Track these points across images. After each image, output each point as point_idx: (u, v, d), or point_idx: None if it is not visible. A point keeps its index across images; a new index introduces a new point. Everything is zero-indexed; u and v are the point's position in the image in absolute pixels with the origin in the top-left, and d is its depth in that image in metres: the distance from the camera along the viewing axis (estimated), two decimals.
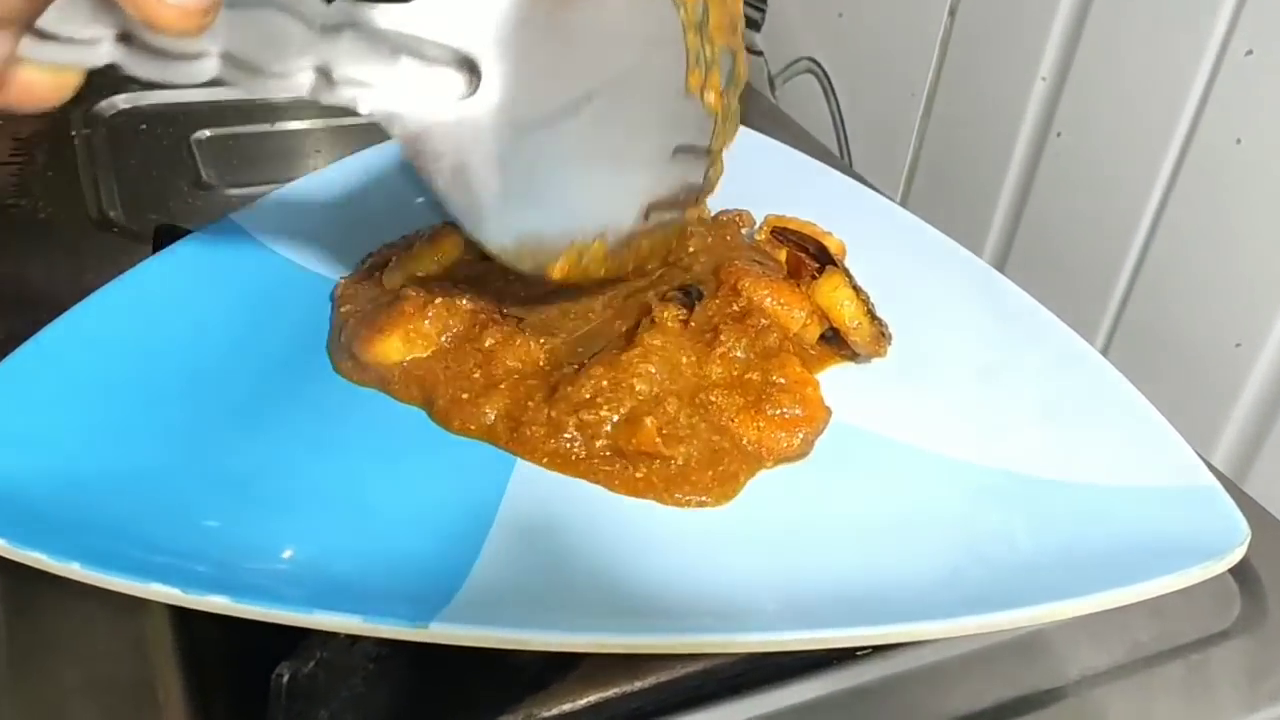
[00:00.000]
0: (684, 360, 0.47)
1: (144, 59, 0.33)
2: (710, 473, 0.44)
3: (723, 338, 0.47)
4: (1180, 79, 0.58)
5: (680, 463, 0.44)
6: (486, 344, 0.48)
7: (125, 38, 0.33)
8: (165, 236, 0.55)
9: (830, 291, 0.50)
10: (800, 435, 0.45)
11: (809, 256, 0.53)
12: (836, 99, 0.85)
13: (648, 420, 0.44)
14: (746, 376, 0.47)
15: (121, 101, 0.78)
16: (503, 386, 0.47)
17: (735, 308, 0.49)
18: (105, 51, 0.33)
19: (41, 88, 0.33)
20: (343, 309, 0.51)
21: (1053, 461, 0.45)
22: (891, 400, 0.49)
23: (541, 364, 0.48)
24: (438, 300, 0.49)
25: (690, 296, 0.50)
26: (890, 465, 0.46)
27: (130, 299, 0.49)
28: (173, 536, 0.39)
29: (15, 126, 0.74)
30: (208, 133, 0.76)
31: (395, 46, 0.37)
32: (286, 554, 0.39)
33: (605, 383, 0.46)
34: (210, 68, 0.34)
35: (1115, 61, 0.62)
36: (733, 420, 0.45)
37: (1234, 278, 0.58)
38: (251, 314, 0.51)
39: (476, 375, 0.47)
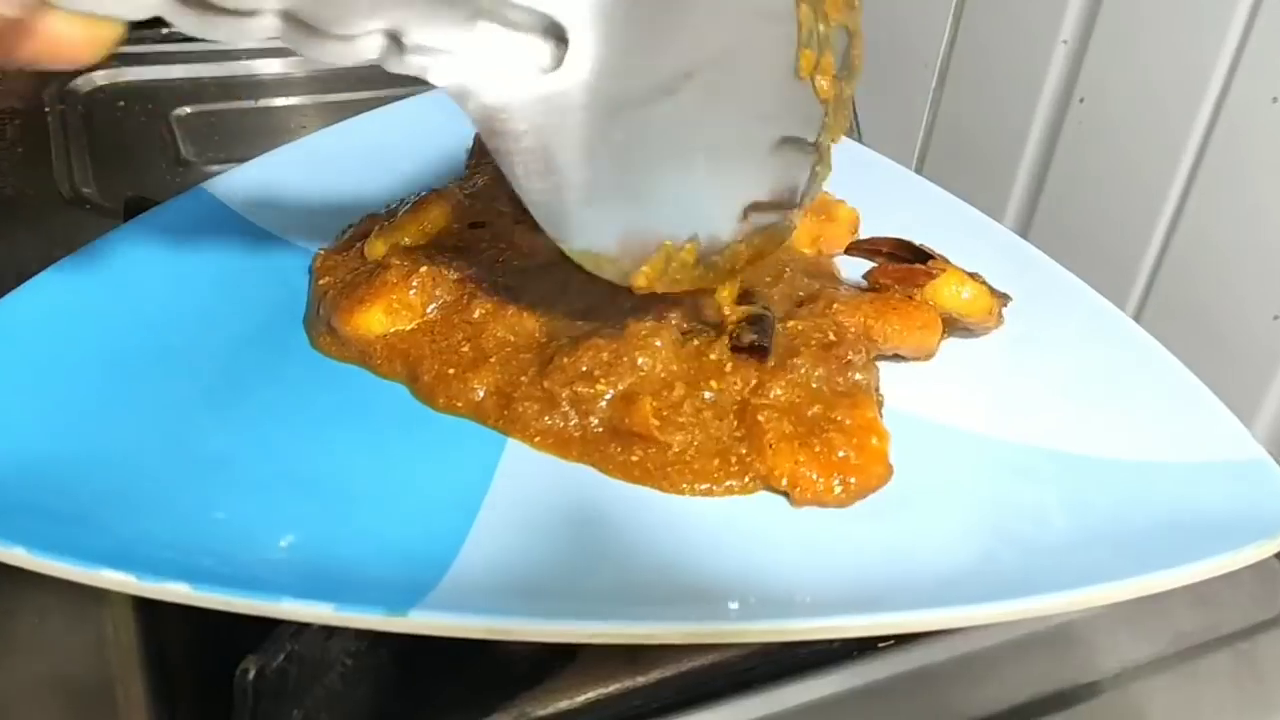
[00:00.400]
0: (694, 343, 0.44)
1: (192, 12, 0.29)
2: (716, 461, 0.41)
3: (798, 360, 0.42)
4: (1212, 35, 0.55)
5: (676, 450, 0.41)
6: (475, 315, 0.45)
7: None
8: (136, 208, 0.52)
9: (954, 289, 0.45)
10: (840, 483, 0.39)
11: (906, 260, 0.48)
12: None
13: (646, 400, 0.41)
14: (810, 410, 0.41)
15: (99, 77, 0.75)
16: (493, 360, 0.43)
17: (830, 336, 0.44)
18: (148, 3, 0.29)
19: (72, 41, 0.29)
20: (321, 280, 0.48)
21: (1088, 437, 0.42)
22: (914, 375, 0.46)
23: (536, 336, 0.44)
24: (423, 269, 0.46)
25: (764, 326, 0.44)
26: (914, 443, 0.42)
27: (94, 270, 0.46)
28: (130, 521, 0.36)
29: None
30: (188, 109, 0.73)
31: (474, 10, 0.32)
32: (255, 540, 0.36)
33: (605, 355, 0.42)
34: (267, 26, 0.30)
35: (1141, 21, 0.59)
36: (771, 445, 0.40)
37: (1272, 245, 0.54)
38: (225, 287, 0.48)
39: (465, 349, 0.44)
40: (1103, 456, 0.41)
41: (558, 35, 0.34)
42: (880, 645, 0.40)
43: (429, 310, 0.45)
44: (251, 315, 0.47)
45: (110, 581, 0.32)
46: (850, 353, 0.43)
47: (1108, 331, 0.46)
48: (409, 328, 0.45)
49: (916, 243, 0.47)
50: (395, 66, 0.32)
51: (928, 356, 0.46)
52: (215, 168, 0.66)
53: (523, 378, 0.43)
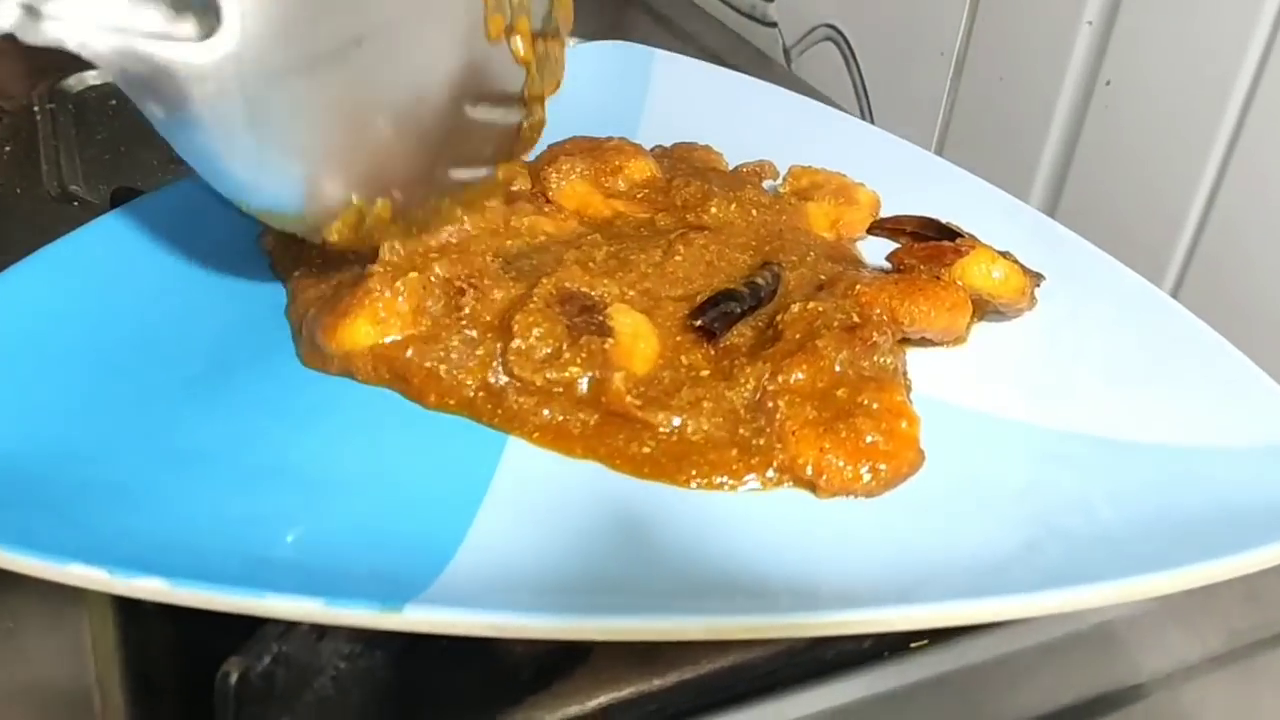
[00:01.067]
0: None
1: None
2: (734, 452, 0.38)
3: (820, 343, 0.40)
4: (1246, 10, 0.53)
5: (675, 436, 0.38)
6: (466, 310, 0.42)
7: None
8: (124, 200, 0.49)
9: (984, 267, 0.43)
10: (869, 470, 0.37)
11: (933, 239, 0.45)
12: (859, 66, 0.79)
13: (617, 376, 0.39)
14: (834, 395, 0.39)
15: (91, 77, 0.73)
16: (480, 352, 0.41)
17: (853, 317, 0.42)
18: None
19: None
20: (305, 294, 0.45)
21: (1134, 422, 0.40)
22: (945, 360, 0.43)
23: None
24: (411, 275, 0.42)
25: (757, 294, 0.43)
26: (947, 431, 0.40)
27: (75, 260, 0.44)
28: (106, 516, 0.34)
29: None
30: None
31: None
32: (238, 536, 0.33)
33: (556, 327, 0.40)
34: None
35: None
36: (793, 433, 0.38)
37: None
38: (211, 277, 0.46)
39: (455, 343, 0.41)
40: (1149, 442, 0.39)
41: (210, 6, 0.32)
42: (912, 645, 0.37)
43: (422, 321, 0.42)
44: (238, 307, 0.45)
45: (81, 578, 0.30)
46: (875, 334, 0.40)
47: (1149, 311, 0.44)
48: (399, 338, 0.42)
49: (943, 220, 0.44)
50: (31, 36, 0.30)
51: (958, 340, 0.44)
52: None
53: (501, 373, 0.41)
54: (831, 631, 0.31)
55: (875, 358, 0.40)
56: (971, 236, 0.44)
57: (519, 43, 0.42)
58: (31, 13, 0.30)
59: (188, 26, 0.32)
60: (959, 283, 0.43)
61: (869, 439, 0.37)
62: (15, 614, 0.37)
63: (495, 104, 0.42)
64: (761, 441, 0.38)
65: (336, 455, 0.38)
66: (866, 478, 0.37)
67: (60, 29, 0.31)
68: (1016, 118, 0.67)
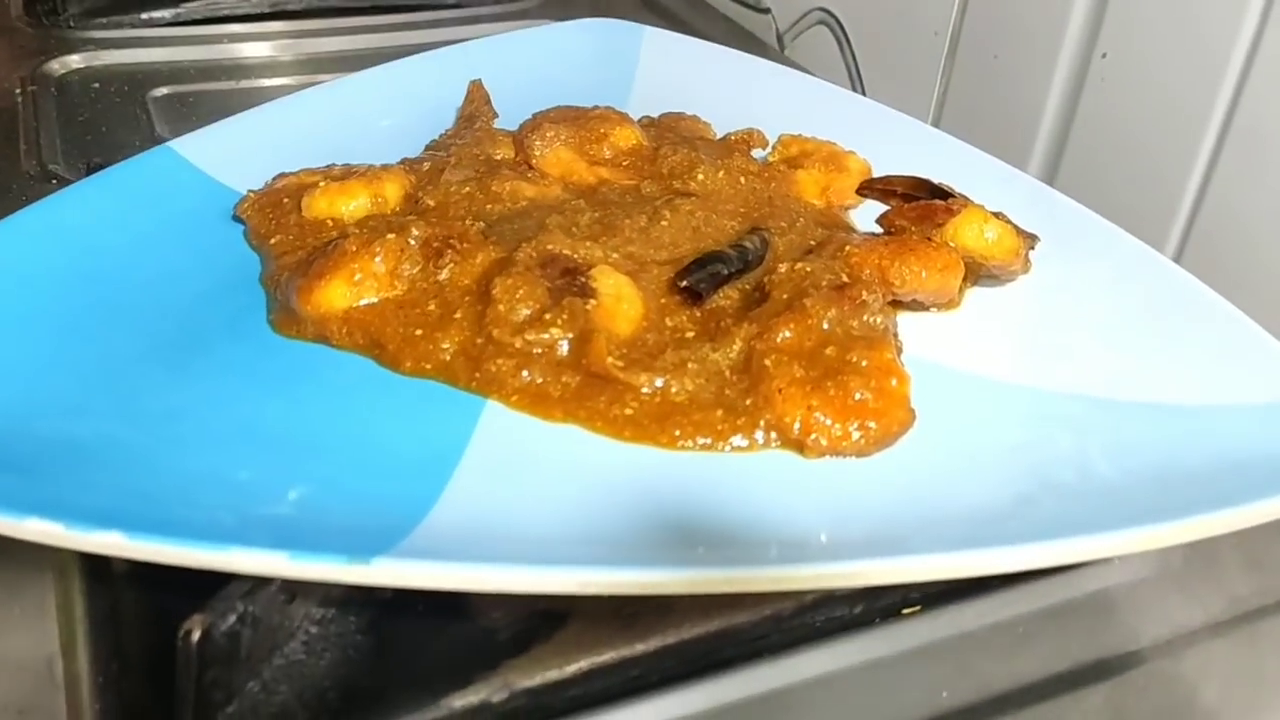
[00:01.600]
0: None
1: None
2: (720, 413, 0.37)
3: (808, 301, 0.39)
4: None
5: (658, 398, 0.37)
6: (443, 274, 0.41)
7: None
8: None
9: (977, 227, 0.42)
10: (858, 429, 0.36)
11: (924, 200, 0.44)
12: (852, 48, 0.78)
13: (600, 337, 0.38)
14: (823, 353, 0.38)
15: (74, 60, 0.72)
16: (458, 315, 0.40)
17: (842, 277, 0.41)
18: None
19: None
20: (280, 260, 0.44)
21: (1132, 382, 0.39)
22: (939, 324, 0.42)
23: None
24: (389, 236, 0.41)
25: (744, 257, 0.42)
26: (941, 393, 0.39)
27: (43, 226, 0.43)
28: (67, 473, 0.32)
29: None
30: (165, 90, 0.70)
31: None
32: (203, 490, 0.32)
33: (537, 290, 0.39)
34: None
35: None
36: (779, 391, 0.37)
37: None
38: (186, 244, 0.45)
39: (431, 307, 0.40)
40: (1148, 401, 0.38)
41: None
42: (905, 611, 0.36)
43: (397, 284, 0.41)
44: (213, 273, 0.44)
45: (38, 533, 0.29)
46: (864, 292, 0.39)
47: (1146, 273, 0.43)
48: (374, 300, 0.41)
49: (935, 180, 0.43)
50: None
51: (951, 304, 0.42)
52: None
53: (479, 338, 0.39)
54: (819, 584, 0.30)
55: (865, 317, 0.39)
56: (963, 197, 0.43)
57: None
58: None
59: None
60: (951, 243, 0.42)
61: (858, 396, 0.36)
62: None
63: None
64: (748, 402, 0.37)
65: (309, 419, 0.37)
66: (856, 436, 0.36)
67: None
68: (1012, 94, 0.66)
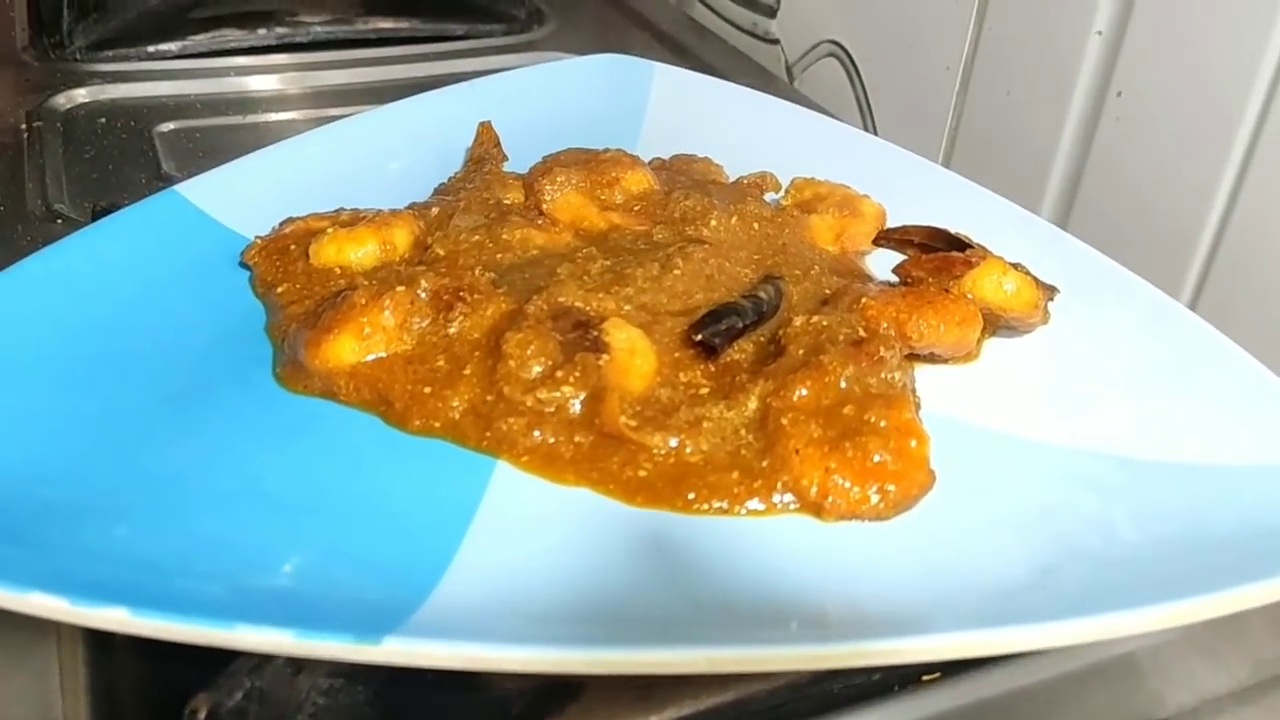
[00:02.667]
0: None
1: None
2: (735, 475, 0.36)
3: (825, 358, 0.38)
4: (1261, 19, 0.51)
5: (667, 454, 0.37)
6: (453, 328, 0.40)
7: None
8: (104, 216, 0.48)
9: (996, 280, 0.41)
10: (877, 492, 0.35)
11: (942, 250, 0.44)
12: (862, 81, 0.78)
13: (614, 396, 0.37)
14: (843, 409, 0.37)
15: (80, 95, 0.72)
16: (468, 371, 0.39)
17: (859, 332, 0.40)
18: None
19: None
20: (287, 310, 0.43)
21: (1155, 440, 0.38)
22: (956, 377, 0.42)
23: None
24: (398, 289, 0.41)
25: (759, 308, 0.41)
26: (960, 450, 0.38)
27: (49, 274, 0.42)
28: (71, 541, 0.32)
29: None
30: (172, 125, 0.69)
31: None
32: (208, 563, 0.31)
33: (547, 344, 0.38)
34: None
35: (1182, 8, 0.55)
36: (796, 452, 0.36)
37: None
38: (192, 291, 0.44)
39: (440, 362, 0.39)
40: (1173, 461, 0.37)
41: None
42: (924, 678, 0.35)
43: (406, 337, 0.40)
44: (219, 322, 0.43)
45: (42, 607, 0.28)
46: (882, 348, 0.38)
47: (1167, 325, 0.42)
48: (383, 355, 0.40)
49: (952, 231, 0.43)
50: None
51: (969, 357, 0.42)
52: None
53: (489, 395, 0.38)
54: (841, 664, 0.29)
55: (882, 374, 0.38)
56: (981, 247, 0.42)
57: None
58: None
59: None
60: (969, 296, 0.41)
61: (877, 458, 0.35)
62: None
63: None
64: (765, 463, 0.36)
65: (315, 479, 0.36)
66: (875, 499, 0.35)
67: None
68: (1025, 132, 0.65)
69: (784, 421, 0.36)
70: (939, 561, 0.33)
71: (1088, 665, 0.37)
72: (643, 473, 0.36)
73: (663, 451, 0.36)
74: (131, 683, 0.34)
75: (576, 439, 0.37)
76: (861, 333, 0.39)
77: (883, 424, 0.36)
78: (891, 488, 0.35)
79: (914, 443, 0.36)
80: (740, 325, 0.40)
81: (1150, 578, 0.32)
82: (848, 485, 0.35)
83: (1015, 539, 0.34)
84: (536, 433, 0.37)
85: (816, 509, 0.35)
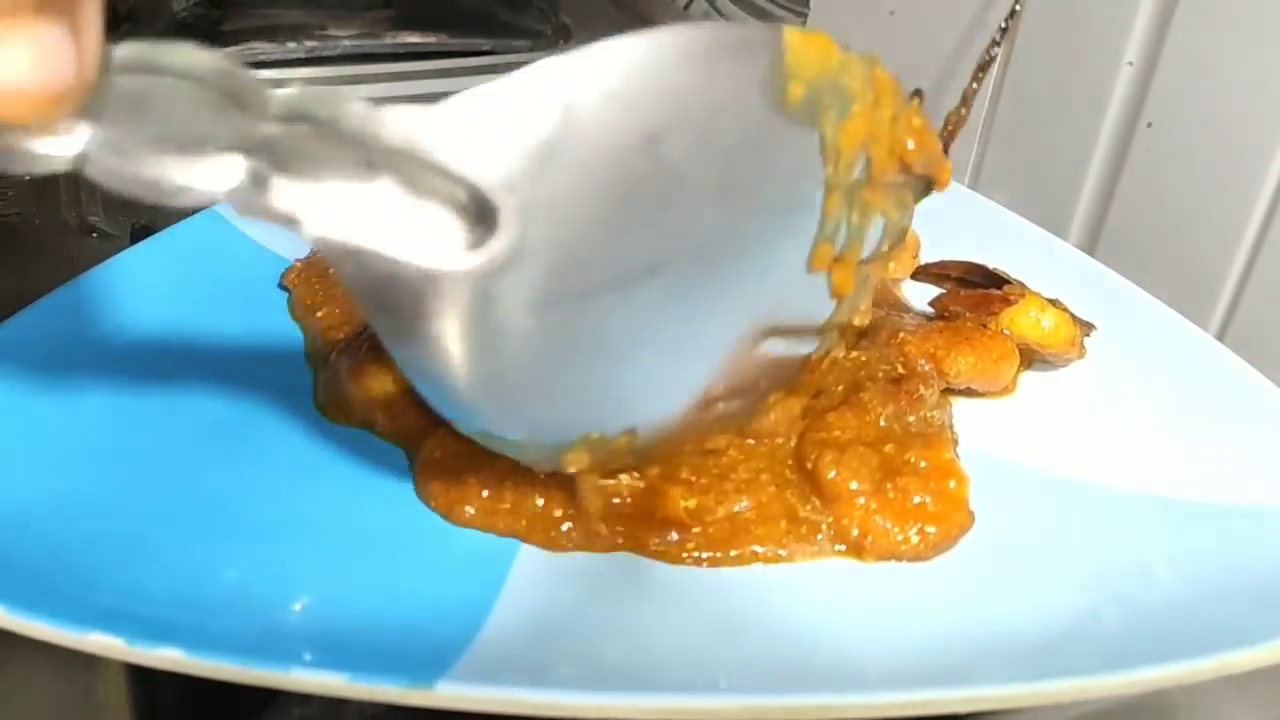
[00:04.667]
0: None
1: None
2: (784, 523, 0.36)
3: (865, 396, 0.38)
4: None
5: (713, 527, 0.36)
6: None
7: None
8: (143, 237, 0.48)
9: (1033, 316, 0.42)
10: (917, 533, 0.35)
11: (980, 285, 0.44)
12: None
13: (675, 491, 0.36)
14: (883, 449, 0.37)
15: None
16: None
17: (898, 369, 0.40)
18: None
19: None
20: (327, 336, 0.44)
21: (1195, 481, 0.38)
22: (992, 412, 0.42)
23: None
24: None
25: None
26: (995, 488, 0.38)
27: (93, 298, 0.43)
28: (122, 574, 0.32)
29: None
30: None
31: (367, 159, 0.25)
32: (258, 599, 0.32)
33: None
34: (75, 148, 0.23)
35: (1216, 39, 0.55)
36: (841, 495, 0.36)
37: None
38: (236, 316, 0.44)
39: None
40: (1213, 502, 0.37)
41: (482, 210, 0.25)
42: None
43: None
44: (260, 347, 0.43)
45: (97, 646, 0.28)
46: (922, 386, 0.39)
47: (1206, 365, 0.42)
48: None
49: (990, 266, 0.43)
50: (256, 212, 0.24)
51: (1006, 390, 0.42)
52: None
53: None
54: (880, 714, 0.29)
55: (922, 412, 0.38)
56: (1019, 283, 0.42)
57: (840, 275, 0.36)
58: (259, 184, 0.24)
59: (449, 232, 0.26)
60: (1006, 331, 0.41)
61: (916, 499, 0.35)
62: (25, 670, 0.35)
63: (787, 336, 0.36)
64: (809, 505, 0.36)
65: (359, 512, 0.36)
66: (914, 540, 0.35)
67: (293, 208, 0.24)
68: (1053, 159, 0.65)
69: (826, 460, 0.36)
70: (976, 604, 0.34)
71: (1118, 703, 0.37)
72: (692, 545, 0.36)
73: (719, 517, 0.36)
74: (175, 707, 0.35)
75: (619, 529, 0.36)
76: (900, 369, 0.39)
77: (923, 464, 0.36)
78: (931, 529, 0.35)
79: (953, 483, 0.36)
80: None
81: (1190, 627, 0.32)
82: (889, 526, 0.35)
83: (1052, 580, 0.34)
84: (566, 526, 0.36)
85: (857, 549, 0.35)
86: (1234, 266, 0.55)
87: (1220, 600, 0.33)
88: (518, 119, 0.25)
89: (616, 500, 0.36)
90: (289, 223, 0.24)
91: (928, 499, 0.35)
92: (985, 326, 0.42)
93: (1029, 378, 0.43)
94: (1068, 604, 0.33)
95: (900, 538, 0.35)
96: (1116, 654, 0.31)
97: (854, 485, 0.36)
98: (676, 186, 0.29)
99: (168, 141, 0.23)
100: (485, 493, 0.36)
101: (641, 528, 0.35)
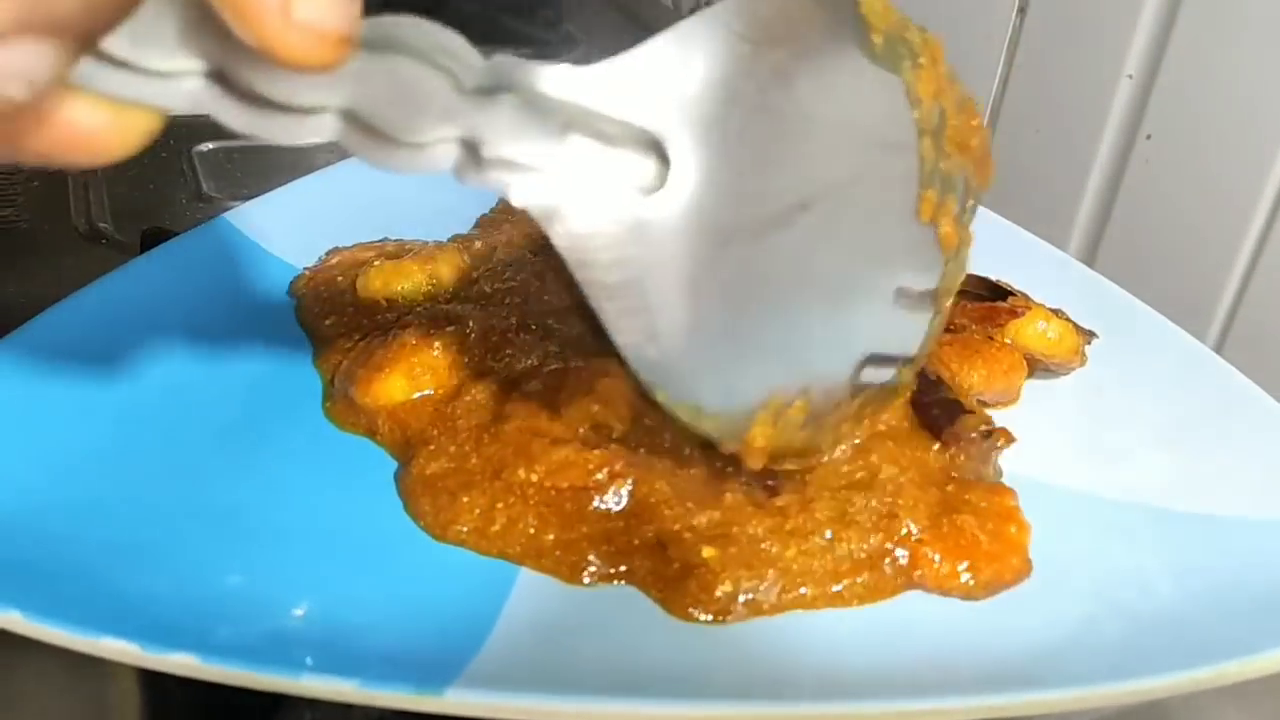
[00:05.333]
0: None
1: (240, 106, 0.25)
2: (848, 565, 0.35)
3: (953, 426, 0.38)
4: None
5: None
6: (499, 367, 0.41)
7: (218, 75, 0.24)
8: (153, 244, 0.49)
9: (1039, 328, 0.42)
10: (969, 572, 0.35)
11: (985, 297, 0.44)
12: None
13: (713, 559, 0.35)
14: (946, 487, 0.37)
15: None
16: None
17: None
18: (189, 90, 0.24)
19: (94, 131, 0.23)
20: (335, 344, 0.44)
21: (1193, 492, 0.38)
22: (1001, 421, 0.42)
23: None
24: (448, 328, 0.42)
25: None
26: None
27: (105, 305, 0.43)
28: (136, 582, 0.32)
29: None
30: (211, 145, 0.70)
31: (565, 121, 0.27)
32: (269, 605, 0.32)
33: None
34: (326, 127, 0.26)
35: (1214, 53, 0.55)
36: (907, 532, 0.36)
37: None
38: (245, 323, 0.45)
39: (474, 462, 0.38)
40: (1210, 514, 0.38)
41: (660, 153, 0.29)
42: None
43: (454, 378, 0.41)
44: (269, 354, 0.44)
45: (112, 651, 0.29)
46: (1002, 441, 0.39)
47: (1204, 376, 0.43)
48: (434, 394, 0.40)
49: (993, 278, 0.43)
50: (473, 180, 0.27)
51: (1010, 401, 0.42)
52: (238, 203, 0.63)
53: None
54: None
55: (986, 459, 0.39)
56: (1023, 295, 0.43)
57: (946, 225, 0.36)
58: (472, 154, 0.27)
59: (637, 177, 0.29)
60: (1011, 342, 0.42)
61: (972, 538, 0.35)
62: (36, 673, 0.36)
63: (911, 296, 0.36)
64: (867, 545, 0.35)
65: (367, 518, 0.37)
66: (965, 579, 0.35)
67: (505, 176, 0.27)
68: (1053, 171, 0.66)
69: (889, 488, 0.37)
70: (974, 612, 0.34)
71: (1118, 711, 0.37)
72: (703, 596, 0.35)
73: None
74: (185, 708, 0.35)
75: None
76: (984, 426, 0.39)
77: (983, 505, 0.36)
78: (984, 570, 0.35)
79: (1014, 529, 0.36)
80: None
81: (1188, 637, 0.32)
82: (938, 560, 0.35)
83: (1052, 588, 0.35)
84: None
85: (905, 581, 0.35)
86: (1232, 277, 0.56)
87: (1219, 611, 0.34)
88: (674, 70, 0.28)
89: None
90: (500, 188, 0.27)
91: (984, 539, 0.35)
92: (992, 338, 0.42)
93: (1030, 387, 0.44)
94: (1067, 614, 0.34)
95: (948, 572, 0.35)
96: (1116, 664, 0.31)
97: (916, 523, 0.36)
98: (808, 124, 0.32)
99: (392, 114, 0.26)
100: (477, 512, 0.36)
101: (675, 589, 0.35)
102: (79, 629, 0.29)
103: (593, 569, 0.35)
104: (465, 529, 0.36)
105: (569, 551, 0.35)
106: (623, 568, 0.35)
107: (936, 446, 0.38)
